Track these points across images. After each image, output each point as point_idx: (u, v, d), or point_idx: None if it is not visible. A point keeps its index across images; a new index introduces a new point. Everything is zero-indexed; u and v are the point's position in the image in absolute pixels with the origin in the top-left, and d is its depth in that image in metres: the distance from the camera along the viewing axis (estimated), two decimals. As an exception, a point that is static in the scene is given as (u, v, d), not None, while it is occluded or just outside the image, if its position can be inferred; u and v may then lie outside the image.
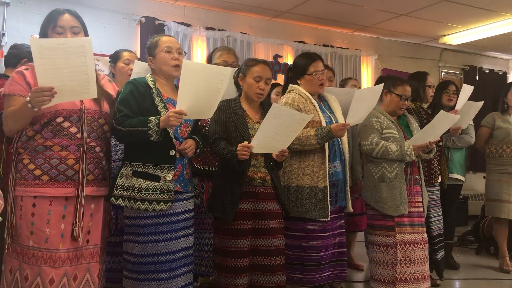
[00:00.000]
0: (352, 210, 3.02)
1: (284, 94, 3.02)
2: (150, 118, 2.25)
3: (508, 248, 4.31)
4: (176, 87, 2.48)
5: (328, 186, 2.82)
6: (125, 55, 3.10)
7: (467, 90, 3.78)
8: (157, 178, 2.31)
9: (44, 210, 2.14)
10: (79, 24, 2.27)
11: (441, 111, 3.09)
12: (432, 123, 3.01)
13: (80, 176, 2.19)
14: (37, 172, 2.15)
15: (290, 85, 3.01)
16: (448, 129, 3.83)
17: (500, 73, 7.88)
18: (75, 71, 1.97)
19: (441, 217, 3.64)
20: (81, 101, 2.23)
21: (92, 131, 2.25)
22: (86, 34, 2.29)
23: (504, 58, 8.03)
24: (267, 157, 2.64)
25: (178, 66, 2.40)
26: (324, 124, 2.85)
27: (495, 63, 7.93)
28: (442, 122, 3.00)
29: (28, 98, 2.00)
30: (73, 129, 2.20)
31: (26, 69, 2.19)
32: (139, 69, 2.78)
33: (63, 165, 2.17)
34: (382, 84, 3.02)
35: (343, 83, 4.14)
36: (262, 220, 2.62)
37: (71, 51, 1.93)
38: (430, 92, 3.76)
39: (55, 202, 2.16)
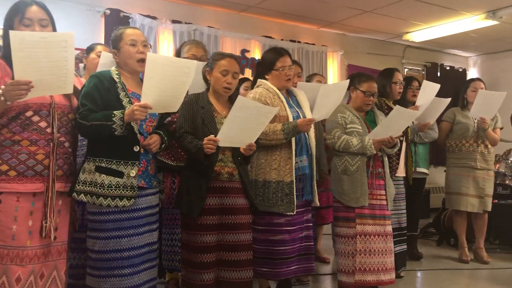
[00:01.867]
0: (318, 204, 3.06)
1: (253, 89, 3.02)
2: (115, 112, 2.21)
3: (467, 239, 4.46)
4: (141, 81, 2.44)
5: (294, 181, 2.85)
6: (99, 48, 3.20)
7: (429, 86, 3.87)
8: (120, 174, 2.28)
9: (11, 206, 2.08)
10: (47, 17, 2.21)
11: (396, 106, 3.16)
12: (388, 118, 3.08)
13: (51, 172, 2.15)
14: (4, 167, 2.09)
15: (258, 80, 3.01)
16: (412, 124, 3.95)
17: (460, 70, 8.14)
18: (54, 65, 1.94)
19: (403, 211, 3.72)
20: (51, 95, 2.18)
21: (61, 126, 2.22)
22: (54, 28, 2.24)
23: (464, 56, 8.29)
24: (235, 152, 2.63)
25: (143, 61, 2.36)
26: (291, 119, 2.87)
27: (455, 60, 8.18)
28: (398, 117, 3.06)
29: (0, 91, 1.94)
30: (43, 124, 2.15)
31: None
32: (106, 60, 2.74)
33: (32, 160, 2.12)
34: (348, 80, 3.07)
35: (308, 79, 4.18)
36: (229, 215, 2.61)
37: (53, 45, 1.91)
38: (397, 89, 3.82)
39: (22, 198, 2.10)
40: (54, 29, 2.24)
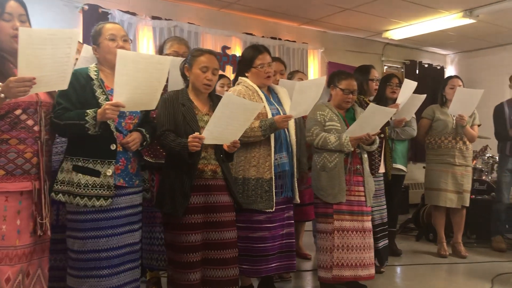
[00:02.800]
0: (299, 201, 3.07)
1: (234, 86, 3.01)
2: (87, 110, 2.18)
3: (445, 234, 4.53)
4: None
5: (273, 177, 2.84)
6: None
7: (408, 84, 3.92)
8: (97, 173, 2.25)
9: (0, 206, 2.05)
10: (25, 12, 2.17)
11: (371, 103, 3.18)
12: (364, 115, 3.09)
13: (41, 170, 2.14)
14: None
15: (239, 77, 3.00)
16: (390, 121, 3.98)
17: (438, 67, 8.25)
18: (58, 62, 1.93)
19: (384, 207, 3.76)
20: (36, 93, 2.15)
21: (46, 124, 2.20)
22: (30, 24, 2.20)
23: (442, 54, 8.41)
24: (217, 149, 2.60)
25: None
26: (270, 116, 2.86)
27: (433, 58, 8.29)
28: (374, 114, 3.08)
29: None
30: (30, 122, 2.13)
31: None
32: (87, 53, 2.67)
33: (20, 158, 2.10)
34: (324, 77, 3.10)
35: (290, 76, 4.18)
36: (214, 213, 2.58)
37: (59, 42, 1.90)
38: (374, 86, 3.87)
39: (11, 197, 2.08)
40: (30, 25, 2.20)
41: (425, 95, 4.10)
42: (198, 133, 2.41)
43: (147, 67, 2.16)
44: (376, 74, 3.90)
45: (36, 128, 2.15)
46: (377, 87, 3.90)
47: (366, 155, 3.33)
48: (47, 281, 2.26)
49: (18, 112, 2.10)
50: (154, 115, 2.72)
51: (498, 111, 4.76)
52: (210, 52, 2.65)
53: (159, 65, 2.20)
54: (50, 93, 2.25)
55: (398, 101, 3.93)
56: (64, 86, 2.06)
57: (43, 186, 2.15)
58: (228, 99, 2.34)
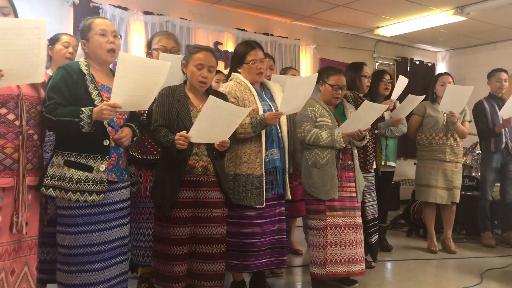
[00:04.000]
0: (290, 197, 3.07)
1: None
2: (83, 109, 2.16)
3: (435, 230, 4.57)
4: (112, 72, 2.40)
5: (264, 174, 2.85)
6: (64, 38, 3.08)
7: (402, 81, 3.95)
8: (89, 169, 2.24)
9: None
10: (8, 4, 2.14)
11: (365, 101, 3.21)
12: (358, 112, 3.11)
13: (21, 166, 2.09)
14: None
15: (232, 73, 3.00)
16: (382, 118, 4.01)
17: (429, 64, 8.29)
18: (26, 53, 1.88)
19: (376, 202, 3.79)
20: (18, 86, 2.11)
21: (30, 118, 2.16)
22: (16, 15, 2.16)
23: (433, 51, 8.46)
24: (210, 146, 2.62)
25: (113, 51, 2.32)
26: (261, 112, 2.86)
27: (424, 55, 8.33)
28: (367, 111, 3.09)
29: None
30: (11, 116, 2.09)
31: None
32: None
33: (1, 154, 2.06)
34: (316, 74, 3.09)
35: (283, 72, 4.19)
36: (203, 208, 2.62)
37: (25, 32, 1.85)
38: (366, 82, 3.88)
39: None
40: (16, 17, 2.16)
41: (423, 96, 4.13)
42: (185, 131, 2.43)
43: (146, 71, 2.16)
44: (368, 70, 3.93)
45: (17, 122, 2.10)
46: (369, 83, 3.92)
47: (356, 151, 3.35)
48: (35, 279, 2.24)
49: None
50: (142, 111, 2.72)
51: (479, 109, 4.75)
52: (207, 49, 2.67)
53: (158, 70, 2.21)
54: (33, 86, 2.20)
55: (393, 97, 3.97)
56: (39, 79, 2.01)
57: (22, 183, 2.10)
58: (213, 102, 2.36)
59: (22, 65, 1.91)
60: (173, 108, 2.56)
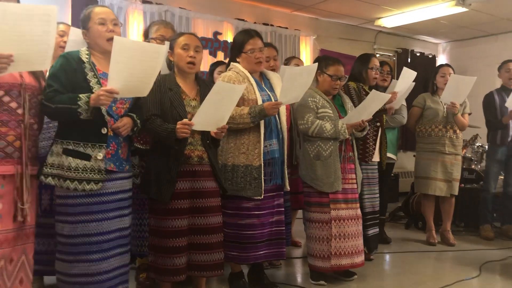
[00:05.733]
0: (289, 188, 3.05)
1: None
2: (80, 95, 2.15)
3: (434, 222, 4.57)
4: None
5: (262, 165, 2.82)
6: (61, 27, 3.03)
7: (408, 74, 3.90)
8: (87, 157, 2.23)
9: None
10: None
11: (373, 90, 3.18)
12: (365, 102, 3.09)
13: (24, 154, 2.09)
14: None
15: (231, 63, 2.97)
16: (384, 110, 3.98)
17: (430, 56, 8.25)
18: (36, 39, 1.88)
19: (376, 195, 3.75)
20: (21, 75, 2.11)
21: (31, 108, 2.16)
22: (18, 1, 2.16)
23: (434, 42, 8.41)
24: (204, 135, 2.60)
25: (113, 39, 2.29)
26: (260, 102, 2.83)
27: (425, 47, 8.29)
28: (373, 101, 3.08)
29: None
30: (13, 104, 2.09)
31: None
32: (76, 36, 2.62)
33: (2, 141, 2.05)
34: (316, 64, 3.04)
35: (286, 62, 4.15)
36: (200, 198, 2.60)
37: (36, 18, 1.85)
38: (373, 74, 3.82)
39: None
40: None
41: (413, 84, 4.10)
42: (187, 119, 2.40)
43: (143, 55, 2.14)
44: (376, 62, 3.85)
45: (19, 111, 2.10)
46: (377, 75, 3.85)
47: (354, 142, 3.32)
48: (32, 268, 2.24)
49: (0, 93, 2.06)
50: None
51: (488, 100, 4.77)
52: (189, 33, 2.69)
53: (155, 54, 2.18)
54: (35, 76, 2.20)
55: (396, 89, 3.93)
56: (46, 66, 2.02)
57: (25, 171, 2.11)
58: (219, 87, 2.37)
59: (32, 51, 1.91)
60: (166, 97, 2.54)
